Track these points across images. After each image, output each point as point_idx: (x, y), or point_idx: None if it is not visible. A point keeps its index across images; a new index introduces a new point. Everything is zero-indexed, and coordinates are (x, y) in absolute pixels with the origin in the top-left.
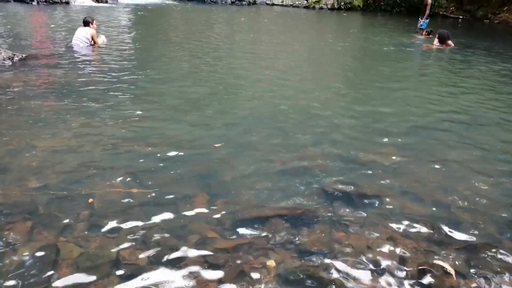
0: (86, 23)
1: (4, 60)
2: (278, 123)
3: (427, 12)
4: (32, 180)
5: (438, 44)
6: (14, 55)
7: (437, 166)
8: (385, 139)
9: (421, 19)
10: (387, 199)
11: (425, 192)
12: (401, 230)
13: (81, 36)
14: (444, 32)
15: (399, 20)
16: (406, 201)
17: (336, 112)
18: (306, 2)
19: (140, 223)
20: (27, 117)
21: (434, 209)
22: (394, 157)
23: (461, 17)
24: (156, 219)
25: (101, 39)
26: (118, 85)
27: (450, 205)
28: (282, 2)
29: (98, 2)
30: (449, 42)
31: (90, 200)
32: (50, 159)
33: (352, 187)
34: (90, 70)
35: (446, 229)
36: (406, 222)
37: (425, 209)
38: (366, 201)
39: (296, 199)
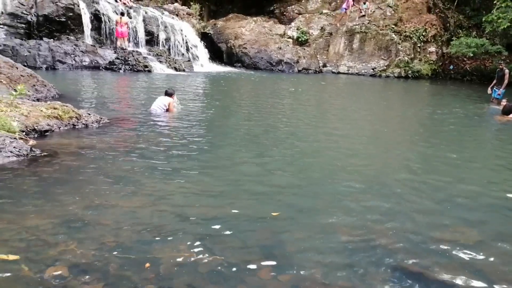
0: (167, 94)
1: (92, 123)
2: (341, 190)
3: (506, 81)
4: (108, 239)
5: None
6: (101, 118)
7: None
8: (461, 216)
9: (497, 88)
10: (465, 285)
11: (509, 278)
12: None
13: (161, 103)
14: (509, 105)
15: (471, 89)
16: None
17: (405, 184)
18: (372, 70)
19: None
20: (107, 176)
21: None
22: (471, 236)
23: None
24: None
25: (176, 109)
26: (190, 152)
27: None
28: (348, 70)
29: (177, 71)
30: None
31: (147, 264)
32: (125, 219)
33: (426, 269)
34: (167, 136)
35: None
36: None
37: None
38: (441, 286)
39: (365, 278)
